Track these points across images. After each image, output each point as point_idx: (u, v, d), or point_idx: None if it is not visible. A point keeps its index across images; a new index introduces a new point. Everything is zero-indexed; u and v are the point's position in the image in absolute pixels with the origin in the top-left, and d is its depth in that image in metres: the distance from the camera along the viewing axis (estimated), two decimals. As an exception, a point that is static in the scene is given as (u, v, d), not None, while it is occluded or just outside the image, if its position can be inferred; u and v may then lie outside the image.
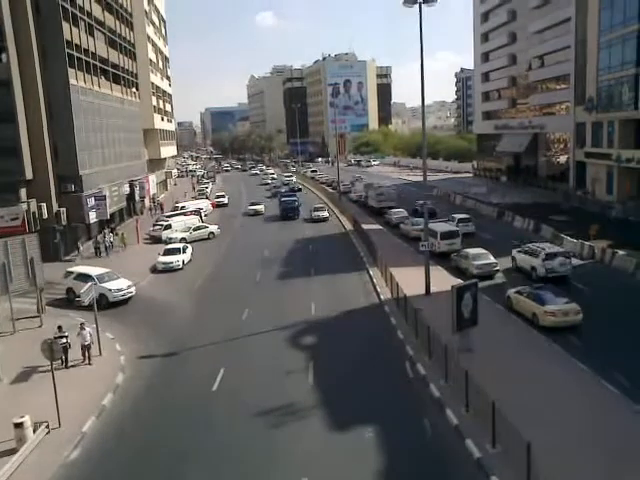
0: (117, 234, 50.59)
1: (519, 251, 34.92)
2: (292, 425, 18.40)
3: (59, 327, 23.44)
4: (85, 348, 23.94)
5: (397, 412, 18.78)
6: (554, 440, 15.85)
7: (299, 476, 15.48)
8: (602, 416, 17.42)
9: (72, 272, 33.85)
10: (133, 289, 33.77)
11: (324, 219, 58.57)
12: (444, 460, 16.01)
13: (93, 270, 34.02)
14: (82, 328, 24.00)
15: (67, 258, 45.06)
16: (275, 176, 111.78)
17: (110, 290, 32.35)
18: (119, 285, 33.08)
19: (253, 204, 68.55)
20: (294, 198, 64.53)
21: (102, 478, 16.23)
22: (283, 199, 64.50)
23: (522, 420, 15.42)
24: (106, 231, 50.22)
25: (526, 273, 33.12)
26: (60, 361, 22.53)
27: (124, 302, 32.83)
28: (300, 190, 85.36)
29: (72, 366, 23.50)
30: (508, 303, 28.08)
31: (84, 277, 32.07)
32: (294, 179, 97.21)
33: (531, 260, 32.98)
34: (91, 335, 24.17)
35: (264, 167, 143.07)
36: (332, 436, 17.66)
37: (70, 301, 32.75)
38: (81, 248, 46.46)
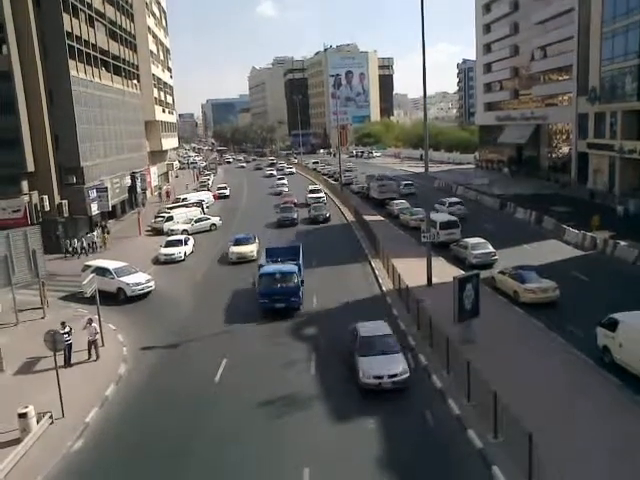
0: (108, 232, 49.13)
1: (436, 203, 49.20)
2: (294, 416, 18.46)
3: (62, 323, 23.35)
4: (92, 344, 23.76)
5: (399, 402, 18.83)
6: (555, 430, 15.92)
7: (301, 466, 15.55)
8: (602, 406, 17.47)
9: (90, 266, 33.66)
10: (152, 283, 33.11)
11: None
12: (446, 450, 16.07)
13: (111, 264, 33.69)
14: (89, 323, 23.92)
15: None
16: (286, 181, 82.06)
17: (128, 284, 32.02)
18: (137, 279, 32.70)
19: (239, 242, 40.50)
20: (290, 269, 28.99)
21: (105, 468, 16.32)
22: (265, 272, 29.01)
23: (524, 411, 15.49)
24: (95, 230, 48.60)
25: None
26: (63, 360, 22.45)
27: (143, 297, 32.36)
28: (328, 220, 52.80)
29: (76, 363, 23.30)
30: (492, 282, 29.78)
31: (102, 271, 31.73)
32: (323, 196, 63.87)
33: (441, 207, 48.25)
34: (97, 332, 24.01)
35: (284, 164, 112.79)
36: (334, 426, 17.72)
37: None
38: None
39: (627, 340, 19.54)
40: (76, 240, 44.37)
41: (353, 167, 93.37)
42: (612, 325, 20.36)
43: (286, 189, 73.95)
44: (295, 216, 52.63)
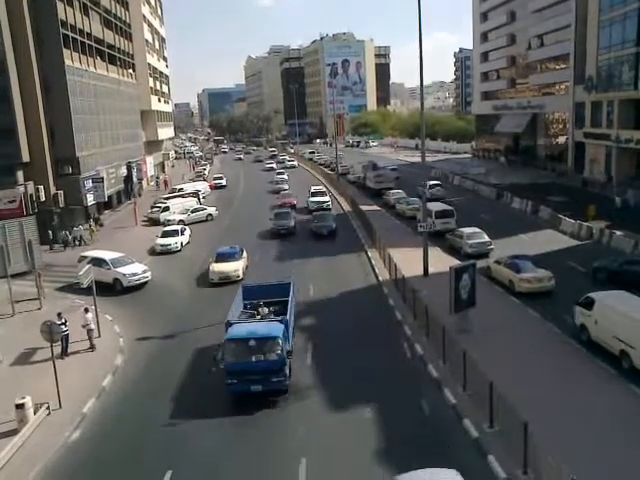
0: (101, 224, 48.70)
1: (418, 186, 49.07)
2: (291, 406, 18.52)
3: (59, 314, 23.35)
4: (90, 333, 23.77)
5: (395, 392, 18.92)
6: (550, 419, 16.01)
7: (298, 456, 15.62)
8: (597, 395, 17.58)
9: (86, 256, 33.41)
10: (149, 274, 33.03)
11: None
12: (442, 440, 16.15)
13: (107, 254, 33.62)
14: (85, 312, 23.99)
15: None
16: (286, 176, 73.39)
17: (124, 275, 31.95)
18: (134, 270, 32.60)
19: (222, 258, 33.42)
20: (271, 332, 19.41)
21: (102, 458, 16.36)
22: (233, 337, 19.39)
23: (519, 400, 15.56)
24: (82, 225, 46.99)
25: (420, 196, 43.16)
26: (60, 351, 22.45)
27: (139, 287, 32.30)
28: (335, 233, 42.25)
29: (73, 353, 23.35)
30: (488, 272, 29.87)
31: (98, 261, 31.57)
32: (328, 200, 53.16)
33: (423, 190, 44.63)
34: (89, 323, 23.93)
35: (286, 157, 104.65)
36: (331, 416, 17.80)
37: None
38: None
39: (602, 318, 20.60)
40: (64, 233, 43.64)
41: (341, 155, 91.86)
42: (589, 304, 21.40)
43: (286, 186, 66.50)
44: (292, 224, 43.78)
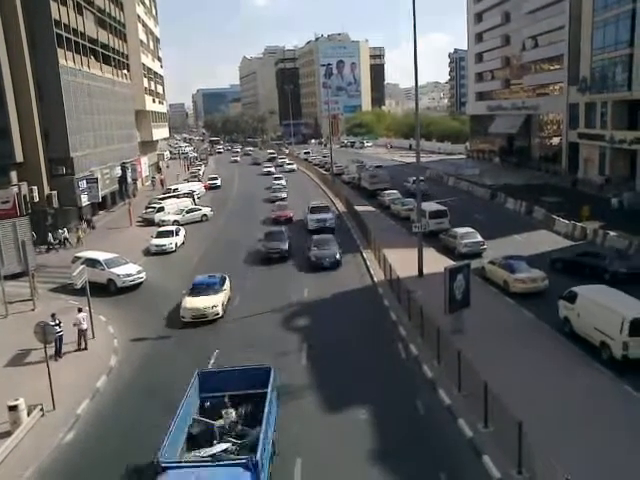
0: (93, 226, 48.49)
1: (404, 181, 59.10)
2: (286, 406, 18.45)
3: (52, 315, 23.24)
4: (81, 333, 23.73)
5: (390, 392, 18.93)
6: (545, 418, 16.03)
7: (293, 457, 15.59)
8: (591, 395, 17.63)
9: (80, 257, 33.19)
10: (143, 274, 32.88)
11: None
12: (436, 440, 16.16)
13: (101, 255, 33.41)
14: (78, 312, 23.93)
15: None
16: (284, 182, 68.61)
17: (119, 275, 31.80)
18: (128, 270, 32.46)
19: (198, 290, 27.19)
20: None
21: (96, 460, 16.26)
22: None
23: (514, 400, 15.59)
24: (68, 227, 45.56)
25: (408, 190, 54.47)
26: (54, 352, 22.38)
27: (134, 288, 32.15)
28: (339, 265, 33.95)
29: (66, 353, 23.26)
30: (482, 272, 30.01)
31: (92, 262, 31.33)
32: (332, 218, 44.05)
33: (407, 184, 56.06)
34: (81, 323, 23.85)
35: (285, 159, 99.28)
36: (326, 417, 17.79)
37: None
38: None
39: (584, 311, 21.33)
40: (49, 235, 42.57)
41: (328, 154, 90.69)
42: (572, 298, 22.11)
43: (284, 194, 60.50)
44: (286, 247, 36.63)
